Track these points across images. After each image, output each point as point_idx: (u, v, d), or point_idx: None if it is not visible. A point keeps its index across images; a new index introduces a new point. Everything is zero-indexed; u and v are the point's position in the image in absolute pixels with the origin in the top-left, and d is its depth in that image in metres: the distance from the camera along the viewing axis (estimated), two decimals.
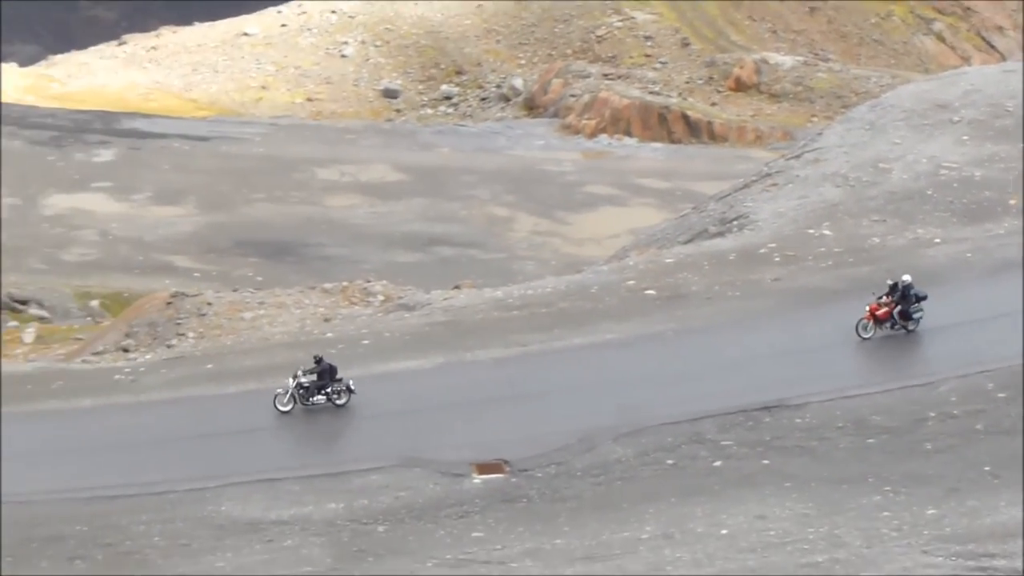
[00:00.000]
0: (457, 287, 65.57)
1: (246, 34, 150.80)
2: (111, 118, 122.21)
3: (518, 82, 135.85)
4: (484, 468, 43.18)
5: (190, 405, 49.14)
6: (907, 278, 50.01)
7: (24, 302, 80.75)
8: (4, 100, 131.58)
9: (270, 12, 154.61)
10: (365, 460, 43.93)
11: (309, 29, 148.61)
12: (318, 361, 48.35)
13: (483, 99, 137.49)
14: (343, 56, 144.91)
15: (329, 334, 55.44)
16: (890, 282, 50.39)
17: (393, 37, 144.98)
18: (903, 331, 49.96)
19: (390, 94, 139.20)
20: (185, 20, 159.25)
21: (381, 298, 63.89)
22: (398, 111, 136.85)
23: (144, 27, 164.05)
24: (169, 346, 57.51)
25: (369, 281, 67.58)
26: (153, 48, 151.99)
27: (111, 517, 40.94)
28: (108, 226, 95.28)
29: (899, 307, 49.78)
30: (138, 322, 62.41)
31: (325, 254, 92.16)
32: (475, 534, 39.12)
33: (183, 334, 58.86)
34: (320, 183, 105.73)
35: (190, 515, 40.94)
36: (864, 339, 49.91)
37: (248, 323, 59.29)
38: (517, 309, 55.57)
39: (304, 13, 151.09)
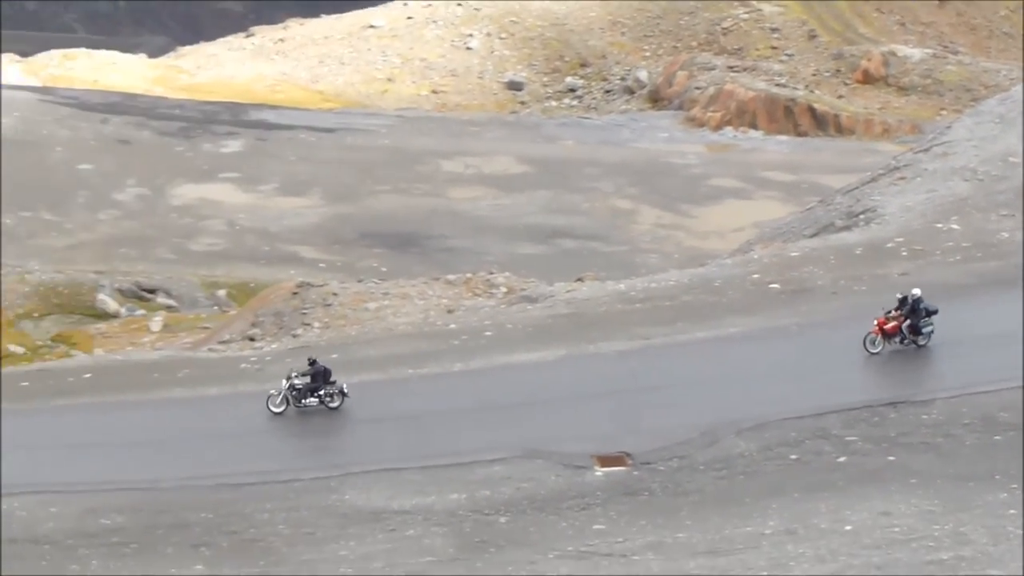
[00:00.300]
0: (580, 279, 65.49)
1: (372, 26, 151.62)
2: (239, 109, 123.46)
3: (643, 74, 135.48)
4: (606, 461, 43.06)
5: None
6: (917, 292, 48.68)
7: (152, 291, 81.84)
8: (134, 91, 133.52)
9: (396, 4, 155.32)
10: (487, 451, 43.95)
11: (435, 21, 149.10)
12: (312, 363, 48.23)
13: (607, 91, 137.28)
14: (468, 48, 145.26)
15: (452, 325, 55.59)
16: (899, 295, 49.03)
17: (518, 29, 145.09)
18: (913, 346, 48.81)
19: (514, 86, 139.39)
20: (312, 12, 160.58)
21: (504, 290, 63.98)
22: (522, 103, 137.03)
23: (272, 19, 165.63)
24: (294, 335, 57.97)
25: (492, 273, 67.70)
26: (280, 40, 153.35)
27: (236, 505, 41.33)
28: (235, 216, 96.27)
29: (908, 321, 48.57)
30: (264, 311, 63.00)
31: (449, 246, 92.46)
32: (597, 526, 39.04)
33: (308, 324, 59.33)
34: (444, 175, 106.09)
35: (314, 504, 41.22)
36: (872, 354, 48.78)
37: (372, 313, 59.63)
38: (640, 302, 55.37)
39: (430, 6, 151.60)
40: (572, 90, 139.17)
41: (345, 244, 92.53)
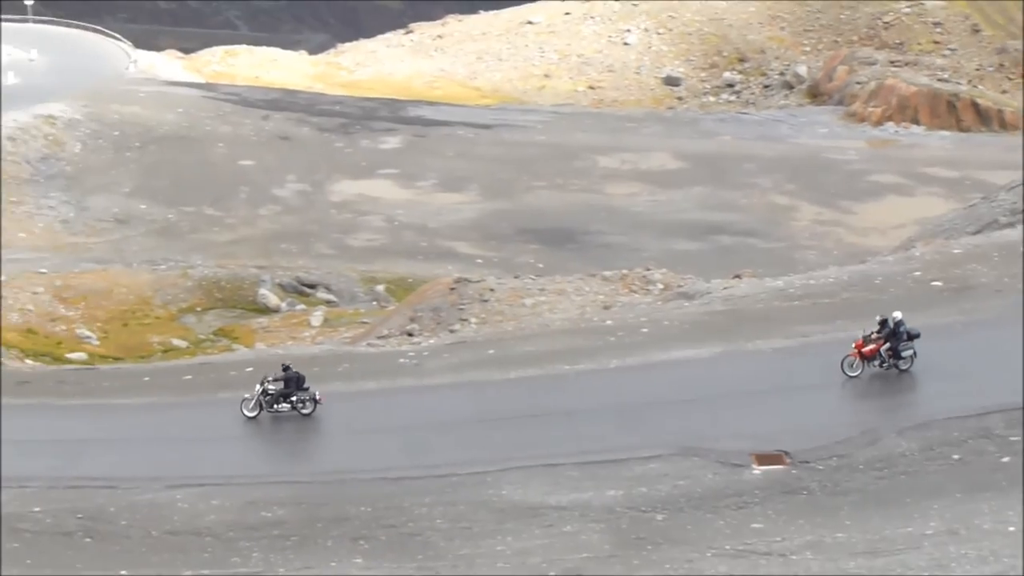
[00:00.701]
0: (737, 276, 65.05)
1: (530, 22, 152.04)
2: (397, 106, 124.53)
3: (802, 69, 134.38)
4: (764, 459, 42.70)
5: (472, 389, 49.68)
6: (897, 314, 47.44)
7: (312, 286, 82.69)
8: (294, 87, 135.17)
9: (554, 1, 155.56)
10: (644, 448, 43.79)
11: (592, 17, 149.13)
12: (285, 369, 48.51)
13: (766, 86, 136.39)
14: (626, 44, 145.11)
15: (608, 321, 55.50)
16: (879, 318, 47.73)
17: (676, 25, 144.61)
18: (894, 370, 47.61)
19: (672, 82, 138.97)
20: (471, 9, 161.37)
21: (660, 286, 63.73)
22: (680, 99, 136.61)
23: (430, 16, 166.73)
24: (452, 331, 58.24)
25: (648, 269, 67.46)
26: (439, 36, 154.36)
27: (394, 499, 41.58)
28: (393, 212, 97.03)
29: (888, 344, 47.36)
30: (422, 307, 63.37)
31: (605, 242, 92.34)
32: (755, 525, 38.72)
33: (465, 319, 59.57)
34: (601, 171, 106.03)
35: (471, 498, 41.34)
36: (850, 377, 47.47)
37: (529, 309, 59.72)
38: (798, 299, 54.88)
39: (588, 1, 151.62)
40: (730, 85, 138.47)
41: (502, 240, 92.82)
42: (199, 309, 78.66)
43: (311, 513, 41.08)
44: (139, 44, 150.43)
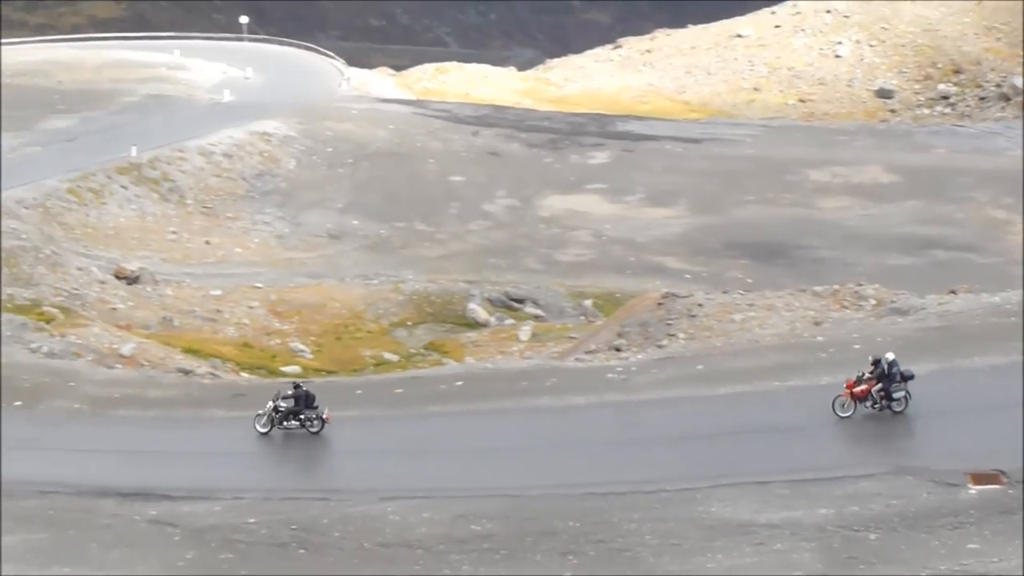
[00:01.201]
0: (953, 292, 63.79)
1: (739, 36, 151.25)
2: (605, 120, 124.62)
3: (1019, 81, 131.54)
4: (980, 478, 41.81)
5: (681, 405, 49.50)
6: (890, 356, 46.78)
7: (521, 300, 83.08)
8: (503, 103, 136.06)
9: (764, 13, 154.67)
10: (857, 466, 43.20)
11: (803, 29, 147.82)
12: (296, 387, 49.78)
13: (982, 98, 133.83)
14: (837, 56, 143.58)
15: (819, 338, 54.90)
16: (872, 358, 47.21)
17: (889, 36, 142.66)
18: (888, 411, 46.67)
19: (884, 94, 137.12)
20: (679, 23, 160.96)
21: (873, 302, 62.79)
22: (892, 111, 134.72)
23: (638, 30, 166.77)
24: (660, 346, 58.07)
25: (861, 284, 66.50)
26: (647, 51, 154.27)
27: (603, 514, 41.57)
28: (601, 227, 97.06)
29: (880, 385, 46.61)
30: (630, 322, 63.29)
31: (816, 256, 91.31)
32: (971, 546, 37.93)
33: (673, 335, 59.35)
34: (812, 184, 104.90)
35: (681, 515, 41.15)
36: (842, 417, 46.69)
37: (738, 325, 59.30)
38: (1016, 315, 53.70)
39: (798, 13, 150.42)
40: (945, 97, 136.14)
41: (710, 255, 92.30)
42: (410, 323, 79.50)
43: (520, 527, 41.22)
44: (352, 62, 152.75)
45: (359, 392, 55.91)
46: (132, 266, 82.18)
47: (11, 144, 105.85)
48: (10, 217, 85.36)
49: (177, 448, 50.01)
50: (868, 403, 46.97)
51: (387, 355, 74.08)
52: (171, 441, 50.42)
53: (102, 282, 78.67)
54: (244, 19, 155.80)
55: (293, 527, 42.06)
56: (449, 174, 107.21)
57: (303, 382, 52.07)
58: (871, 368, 47.00)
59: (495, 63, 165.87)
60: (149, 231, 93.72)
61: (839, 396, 47.05)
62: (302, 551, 40.67)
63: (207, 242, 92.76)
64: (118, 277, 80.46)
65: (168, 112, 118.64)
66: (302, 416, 49.53)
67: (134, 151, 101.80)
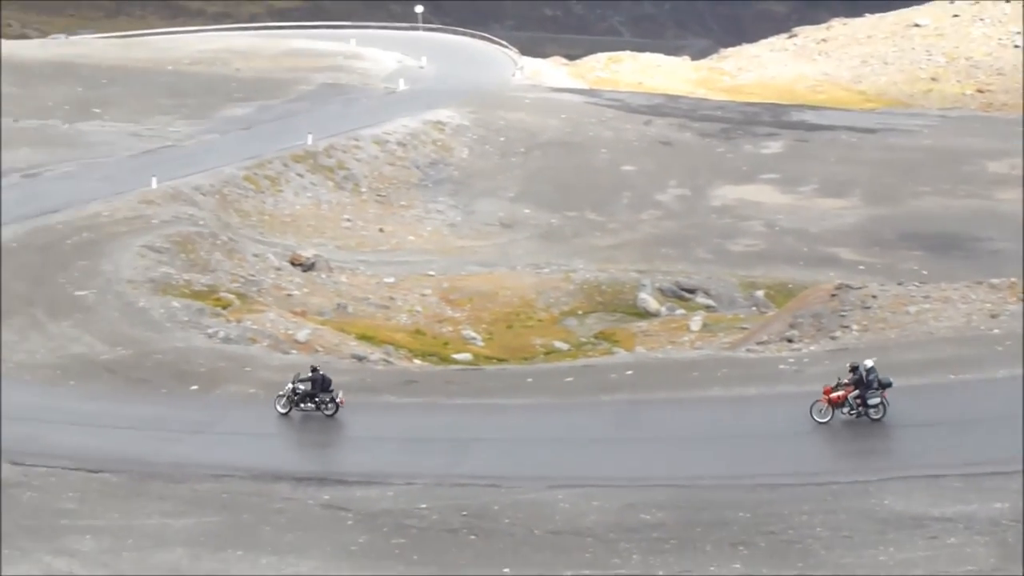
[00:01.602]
0: None
1: (917, 25, 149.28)
2: (779, 110, 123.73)
3: None
4: None
5: None
6: (869, 363, 47.19)
7: (692, 291, 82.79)
8: (676, 92, 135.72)
9: (942, 2, 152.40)
10: None
11: (982, 19, 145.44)
12: (313, 370, 51.15)
13: None
14: (1016, 47, 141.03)
15: (995, 331, 54.11)
16: (851, 365, 47.43)
17: None
18: (866, 418, 46.82)
19: None
20: (855, 12, 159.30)
21: None
22: None
23: (815, 19, 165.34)
24: (833, 338, 57.57)
25: None
26: (823, 40, 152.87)
27: (774, 505, 41.41)
28: (774, 217, 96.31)
29: (857, 392, 46.71)
30: (802, 313, 62.80)
31: (993, 248, 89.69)
32: None
33: (847, 326, 58.77)
34: (990, 176, 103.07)
35: (852, 507, 40.83)
36: (820, 423, 46.86)
37: (912, 317, 58.53)
38: None
39: (977, 3, 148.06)
40: None
41: (884, 246, 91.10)
42: (580, 312, 79.59)
43: (690, 517, 41.22)
44: (525, 51, 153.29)
45: (529, 380, 56.24)
46: (307, 253, 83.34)
47: (189, 132, 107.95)
48: (188, 204, 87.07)
49: (350, 433, 50.72)
50: (845, 409, 47.14)
51: (557, 343, 74.27)
52: (344, 426, 51.13)
53: (278, 269, 79.91)
54: (419, 8, 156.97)
55: (464, 513, 42.47)
56: (621, 163, 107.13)
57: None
58: (850, 374, 47.18)
59: (669, 52, 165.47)
60: (324, 218, 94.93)
61: (817, 401, 47.38)
62: (472, 537, 41.05)
63: (381, 230, 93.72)
64: (293, 264, 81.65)
65: (344, 101, 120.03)
66: (317, 399, 50.93)
67: (310, 139, 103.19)
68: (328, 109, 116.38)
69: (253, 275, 77.15)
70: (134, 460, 48.11)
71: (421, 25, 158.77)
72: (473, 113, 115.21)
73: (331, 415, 51.03)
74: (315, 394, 51.07)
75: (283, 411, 51.46)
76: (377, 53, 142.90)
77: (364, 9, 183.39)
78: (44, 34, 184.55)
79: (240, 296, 72.29)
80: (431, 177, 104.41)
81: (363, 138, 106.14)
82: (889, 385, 47.04)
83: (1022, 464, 42.09)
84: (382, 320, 75.82)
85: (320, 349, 64.21)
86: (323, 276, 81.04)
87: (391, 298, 79.20)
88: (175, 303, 67.54)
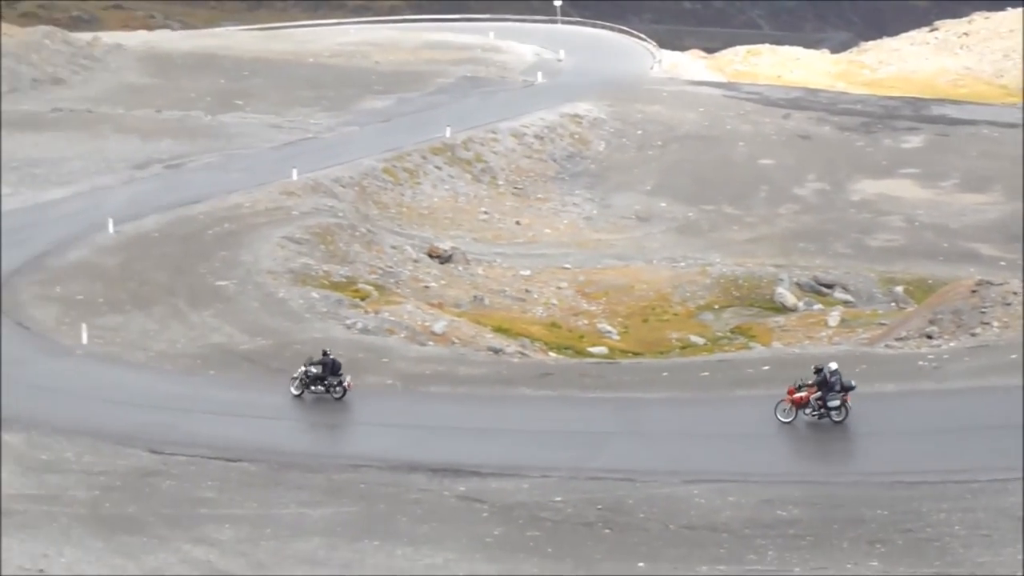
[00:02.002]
0: None
1: None
2: (920, 104, 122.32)
3: None
4: None
5: (995, 394, 48.49)
6: (833, 365, 47.80)
7: (830, 286, 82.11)
8: (815, 86, 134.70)
9: None
10: None
11: None
12: (324, 354, 53.09)
13: None
14: None
15: None
16: (815, 367, 48.02)
17: None
18: (827, 420, 47.45)
19: None
20: (998, 6, 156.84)
21: None
22: None
23: (956, 12, 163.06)
24: (973, 334, 56.93)
25: None
26: (964, 34, 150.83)
27: (912, 503, 41.06)
28: (914, 212, 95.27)
29: (819, 394, 47.31)
30: (942, 309, 62.13)
31: None
32: None
33: (987, 323, 58.08)
34: None
35: (991, 505, 40.38)
36: (784, 423, 47.61)
37: None
38: None
39: None
40: None
41: None
42: (717, 306, 79.23)
43: (826, 514, 41.00)
44: (663, 44, 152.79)
45: (665, 374, 56.21)
46: (444, 245, 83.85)
47: (329, 124, 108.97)
48: (327, 195, 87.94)
49: (486, 425, 50.98)
50: (808, 410, 47.53)
51: (693, 338, 74.05)
52: (480, 418, 51.43)
53: (415, 260, 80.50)
54: (558, 2, 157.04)
55: (599, 507, 42.56)
56: (759, 157, 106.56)
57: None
58: (814, 375, 47.59)
59: (808, 45, 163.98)
60: (461, 211, 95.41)
61: (781, 401, 47.88)
62: (607, 531, 41.14)
63: (517, 222, 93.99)
64: (431, 256, 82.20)
65: (482, 93, 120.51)
66: (327, 382, 52.58)
67: (448, 132, 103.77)
68: (466, 102, 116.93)
69: (391, 267, 77.80)
70: (272, 449, 48.75)
71: (560, 18, 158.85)
72: (610, 106, 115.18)
73: (340, 398, 52.66)
74: (324, 377, 52.85)
75: (296, 393, 53.21)
76: (515, 46, 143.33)
77: (503, 2, 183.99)
78: (186, 26, 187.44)
79: (378, 287, 72.93)
80: (568, 170, 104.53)
81: (501, 131, 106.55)
82: (852, 388, 47.64)
83: None
84: (518, 313, 76.07)
85: (456, 341, 64.60)
86: (460, 268, 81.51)
87: (527, 291, 79.44)
88: (314, 294, 68.34)
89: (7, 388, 54.44)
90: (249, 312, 65.55)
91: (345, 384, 52.73)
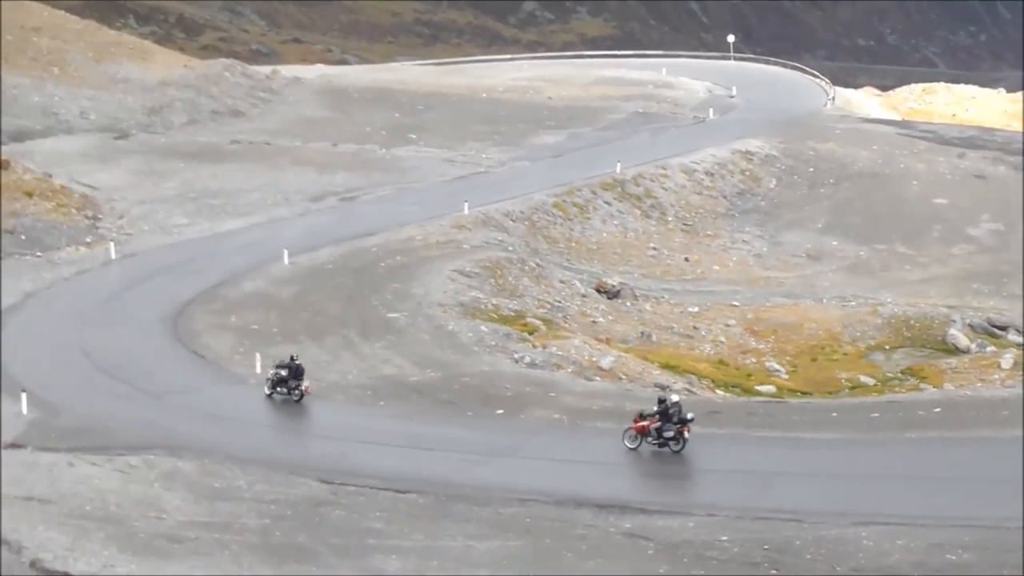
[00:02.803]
0: None
1: None
2: None
3: None
4: None
5: None
6: (675, 397, 50.43)
7: (1004, 328, 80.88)
8: (991, 125, 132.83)
9: None
10: None
11: None
12: (292, 359, 56.96)
13: None
14: None
15: None
16: (659, 398, 50.58)
17: None
18: (667, 449, 49.81)
19: None
20: None
21: None
22: None
23: None
24: None
25: None
26: None
27: None
28: None
29: (660, 424, 49.58)
30: None
31: None
32: None
33: None
34: None
35: None
36: (630, 449, 50.09)
37: None
38: None
39: None
40: None
41: None
42: (887, 347, 78.38)
43: (998, 559, 40.38)
44: (837, 81, 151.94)
45: (834, 415, 55.77)
46: (613, 280, 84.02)
47: (501, 158, 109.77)
48: (498, 229, 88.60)
49: (648, 464, 50.92)
50: (650, 439, 49.78)
51: (863, 378, 73.32)
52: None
53: (583, 295, 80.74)
54: (731, 38, 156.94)
55: (766, 547, 42.33)
56: (932, 196, 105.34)
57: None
58: (657, 405, 49.71)
59: (984, 84, 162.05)
60: (630, 246, 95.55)
61: (628, 429, 50.18)
62: (774, 572, 40.90)
63: (686, 259, 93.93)
64: (599, 291, 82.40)
65: (652, 129, 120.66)
66: (289, 385, 56.53)
67: (618, 167, 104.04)
68: (637, 138, 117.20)
69: (559, 301, 78.13)
70: (440, 482, 49.13)
71: (732, 54, 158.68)
72: (782, 143, 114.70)
73: (297, 401, 56.48)
74: (287, 380, 56.37)
75: (268, 392, 57.17)
76: (687, 82, 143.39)
77: (675, 38, 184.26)
78: (363, 60, 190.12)
79: (546, 322, 73.26)
80: (738, 207, 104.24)
81: (671, 167, 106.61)
82: (690, 421, 49.58)
83: None
84: (685, 349, 75.95)
85: (623, 376, 64.69)
86: (628, 304, 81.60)
87: (695, 327, 79.29)
88: (483, 327, 68.83)
89: (182, 417, 55.67)
90: (419, 344, 66.22)
91: (303, 388, 56.52)
